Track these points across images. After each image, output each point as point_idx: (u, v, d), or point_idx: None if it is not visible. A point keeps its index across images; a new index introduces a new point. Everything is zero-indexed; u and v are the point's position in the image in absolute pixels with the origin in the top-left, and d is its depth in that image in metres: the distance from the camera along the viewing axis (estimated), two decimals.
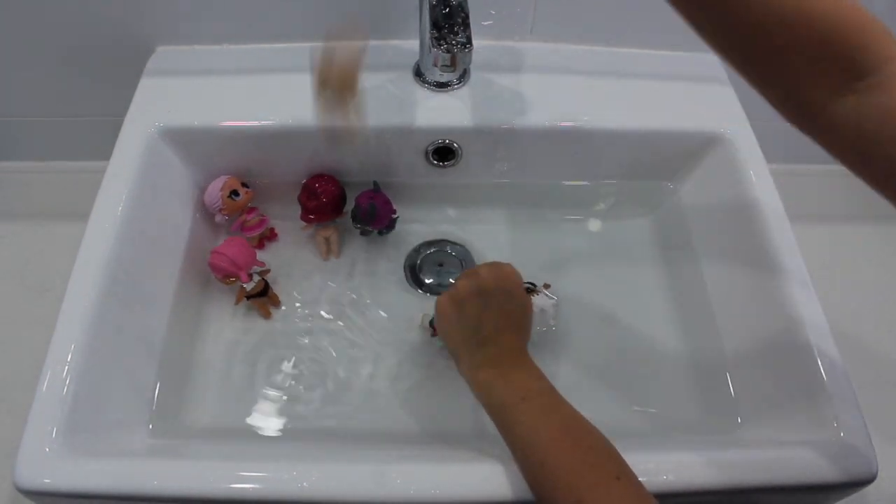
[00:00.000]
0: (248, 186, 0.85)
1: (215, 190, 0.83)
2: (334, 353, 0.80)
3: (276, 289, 0.84)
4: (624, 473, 0.53)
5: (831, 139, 0.48)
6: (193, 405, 0.75)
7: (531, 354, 0.63)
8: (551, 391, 0.60)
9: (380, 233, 0.87)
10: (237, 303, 0.82)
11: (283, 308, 0.83)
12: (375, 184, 0.85)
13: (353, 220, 0.86)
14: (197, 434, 0.73)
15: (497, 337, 0.62)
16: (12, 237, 0.99)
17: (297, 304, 0.83)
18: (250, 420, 0.74)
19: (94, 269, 0.69)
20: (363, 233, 0.88)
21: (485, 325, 0.63)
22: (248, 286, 0.80)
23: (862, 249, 1.01)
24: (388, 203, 0.85)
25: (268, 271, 0.83)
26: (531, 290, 0.78)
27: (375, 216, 0.84)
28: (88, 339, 0.65)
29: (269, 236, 0.88)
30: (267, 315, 0.82)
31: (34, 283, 0.94)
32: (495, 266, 0.66)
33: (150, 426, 0.69)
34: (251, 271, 0.80)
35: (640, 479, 0.53)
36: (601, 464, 0.54)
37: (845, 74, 0.46)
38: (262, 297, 0.81)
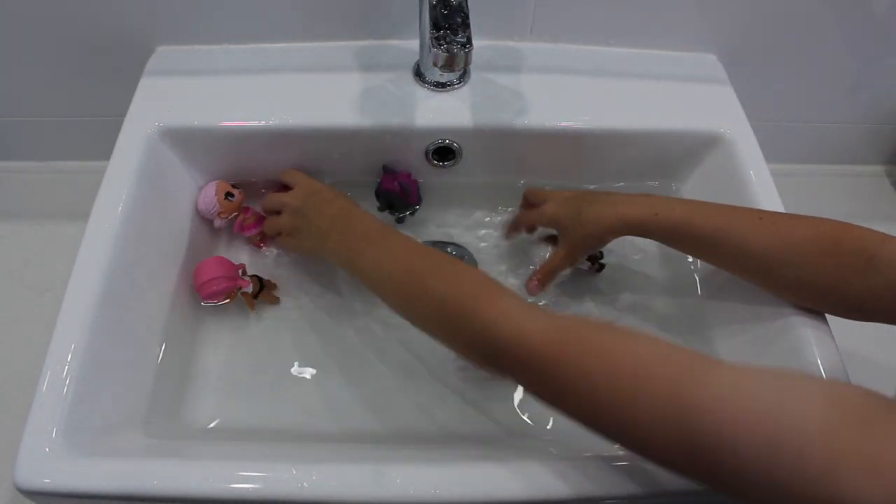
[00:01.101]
0: (237, 187, 0.85)
1: (209, 196, 0.83)
2: (334, 354, 0.80)
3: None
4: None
5: (878, 308, 0.60)
6: (193, 405, 0.75)
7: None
8: (390, 228, 0.71)
9: (412, 213, 0.89)
10: (253, 309, 0.82)
11: (282, 310, 0.83)
12: (386, 167, 0.86)
13: (390, 211, 0.88)
14: (197, 434, 0.73)
15: (323, 216, 0.75)
16: (12, 237, 0.99)
17: (296, 306, 0.83)
18: (250, 420, 0.74)
19: (94, 269, 0.69)
20: (399, 220, 0.90)
21: (313, 220, 0.76)
22: (250, 289, 0.81)
23: None
24: (408, 176, 0.87)
25: (244, 268, 0.83)
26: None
27: (410, 193, 0.86)
28: (88, 339, 0.65)
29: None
30: (275, 301, 0.83)
31: (34, 283, 0.94)
32: (292, 190, 0.80)
33: (150, 426, 0.69)
34: (241, 275, 0.81)
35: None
36: (457, 277, 0.62)
37: (859, 260, 0.59)
38: (262, 290, 0.82)
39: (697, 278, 0.84)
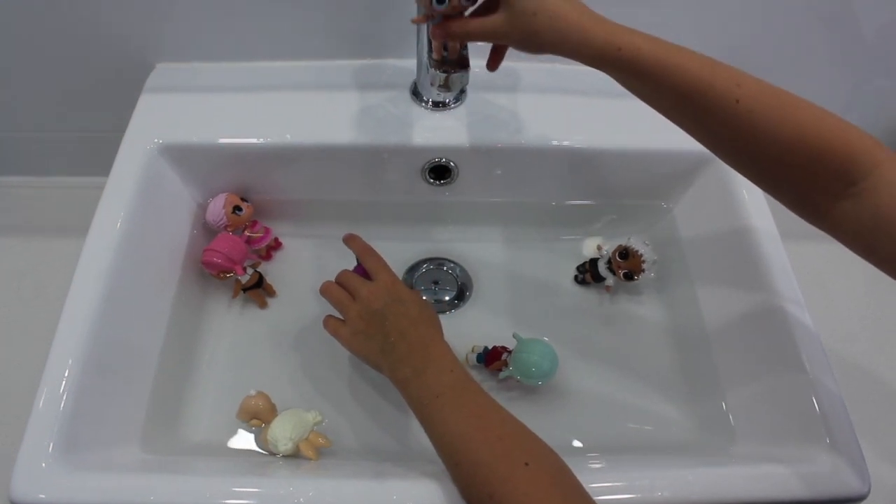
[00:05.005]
0: (246, 200, 0.86)
1: (218, 208, 0.83)
2: (333, 372, 0.80)
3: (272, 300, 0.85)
4: (534, 458, 0.55)
5: (839, 234, 0.55)
6: (190, 420, 0.75)
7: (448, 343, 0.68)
8: (463, 383, 0.63)
9: None
10: (234, 296, 0.84)
11: (281, 328, 0.83)
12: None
13: None
14: (192, 449, 0.73)
15: (404, 338, 0.67)
16: (10, 252, 0.99)
17: (295, 321, 0.84)
18: (246, 435, 0.74)
19: (93, 285, 0.69)
20: None
21: (390, 333, 0.67)
22: (244, 279, 0.82)
23: (854, 266, 1.02)
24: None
25: (259, 263, 0.86)
26: (627, 254, 0.82)
27: None
28: (86, 353, 0.65)
29: (274, 246, 0.90)
30: (263, 305, 0.85)
31: (32, 298, 0.94)
32: (373, 284, 0.72)
33: (147, 441, 0.69)
34: (245, 265, 0.83)
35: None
36: (509, 453, 0.56)
37: (839, 183, 0.53)
38: (258, 288, 0.83)
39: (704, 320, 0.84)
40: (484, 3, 0.63)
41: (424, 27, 0.73)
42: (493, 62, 0.69)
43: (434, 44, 0.70)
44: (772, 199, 0.79)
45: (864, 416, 0.67)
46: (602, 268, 0.85)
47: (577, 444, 0.75)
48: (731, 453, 0.70)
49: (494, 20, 0.60)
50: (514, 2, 0.58)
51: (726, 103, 0.54)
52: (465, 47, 0.72)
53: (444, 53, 0.72)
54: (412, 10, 0.67)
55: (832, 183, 0.53)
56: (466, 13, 0.63)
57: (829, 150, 0.52)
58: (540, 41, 0.59)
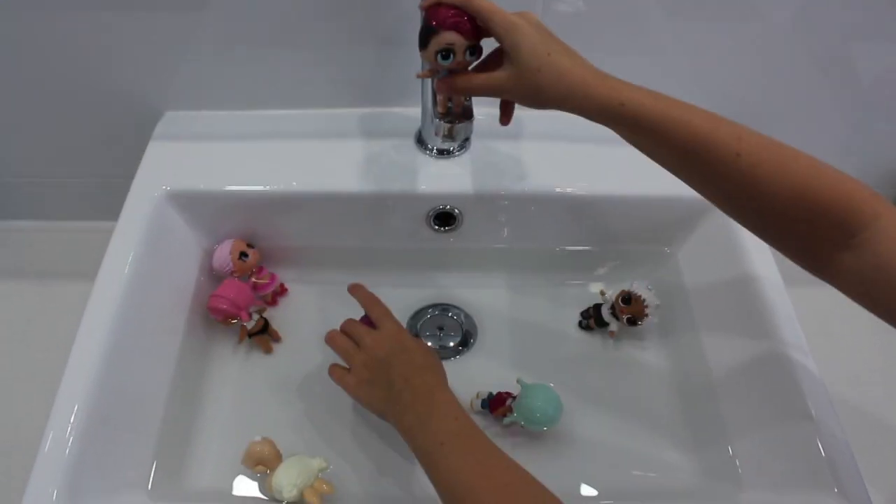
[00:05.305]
0: (252, 247, 0.86)
1: (224, 254, 0.84)
2: (338, 418, 0.80)
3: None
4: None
5: (841, 285, 0.55)
6: (195, 466, 0.75)
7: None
8: (467, 430, 0.63)
9: None
10: (240, 341, 0.84)
11: (288, 373, 0.84)
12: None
13: None
14: (198, 495, 0.72)
15: (408, 383, 0.68)
16: (19, 295, 1.00)
17: (300, 367, 0.84)
18: (251, 481, 0.74)
19: (100, 329, 0.69)
20: None
21: (395, 381, 0.68)
22: (249, 325, 0.82)
23: (858, 311, 1.02)
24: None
25: (265, 308, 0.87)
26: (630, 299, 0.82)
27: None
28: (92, 399, 0.65)
29: (279, 292, 0.91)
30: (268, 350, 0.85)
31: (38, 343, 0.94)
32: (377, 333, 0.73)
33: (153, 488, 0.69)
34: (251, 310, 0.83)
35: None
36: (514, 500, 0.56)
37: (839, 235, 0.53)
38: (263, 333, 0.84)
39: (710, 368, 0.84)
40: (488, 57, 0.64)
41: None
42: (505, 116, 0.70)
43: (439, 97, 0.71)
44: None
45: (871, 461, 0.66)
46: (605, 313, 0.85)
47: (581, 490, 0.75)
48: (738, 501, 0.70)
49: (499, 76, 0.61)
50: (518, 58, 0.59)
51: (728, 157, 0.55)
52: (470, 99, 0.74)
53: (449, 105, 0.74)
54: (417, 60, 0.68)
55: (832, 235, 0.53)
56: (470, 68, 0.64)
57: (828, 203, 0.53)
58: (544, 97, 0.60)
